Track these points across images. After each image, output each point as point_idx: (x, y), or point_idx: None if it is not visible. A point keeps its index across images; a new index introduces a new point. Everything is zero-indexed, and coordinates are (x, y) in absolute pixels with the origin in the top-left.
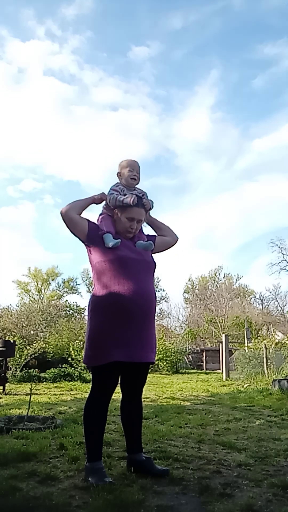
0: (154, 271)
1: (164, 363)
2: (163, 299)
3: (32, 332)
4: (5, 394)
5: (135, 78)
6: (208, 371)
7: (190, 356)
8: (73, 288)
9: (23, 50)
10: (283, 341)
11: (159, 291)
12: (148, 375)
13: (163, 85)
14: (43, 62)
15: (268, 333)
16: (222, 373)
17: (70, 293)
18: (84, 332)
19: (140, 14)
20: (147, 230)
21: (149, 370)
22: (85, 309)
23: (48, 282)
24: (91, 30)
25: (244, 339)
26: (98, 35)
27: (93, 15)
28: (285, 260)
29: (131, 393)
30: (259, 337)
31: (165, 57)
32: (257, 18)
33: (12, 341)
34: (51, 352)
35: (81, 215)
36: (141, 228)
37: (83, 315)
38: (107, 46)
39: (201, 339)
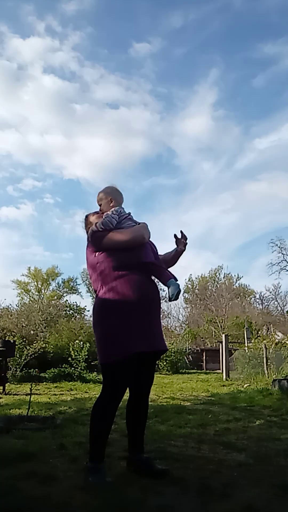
0: None
1: (164, 363)
2: (163, 299)
3: (32, 332)
4: (5, 394)
5: (136, 75)
6: (208, 371)
7: (190, 356)
8: (73, 288)
9: (23, 46)
10: (283, 341)
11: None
12: None
13: (164, 82)
14: (43, 59)
15: (268, 333)
16: (222, 373)
17: (70, 293)
18: (84, 332)
19: (141, 10)
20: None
21: None
22: (85, 308)
23: (48, 282)
24: (91, 26)
25: (244, 339)
26: (98, 31)
27: (93, 11)
28: (285, 260)
29: (140, 393)
30: (259, 337)
31: (166, 54)
32: (258, 17)
33: (12, 341)
34: (51, 352)
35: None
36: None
37: (83, 315)
38: (108, 43)
39: (201, 339)
